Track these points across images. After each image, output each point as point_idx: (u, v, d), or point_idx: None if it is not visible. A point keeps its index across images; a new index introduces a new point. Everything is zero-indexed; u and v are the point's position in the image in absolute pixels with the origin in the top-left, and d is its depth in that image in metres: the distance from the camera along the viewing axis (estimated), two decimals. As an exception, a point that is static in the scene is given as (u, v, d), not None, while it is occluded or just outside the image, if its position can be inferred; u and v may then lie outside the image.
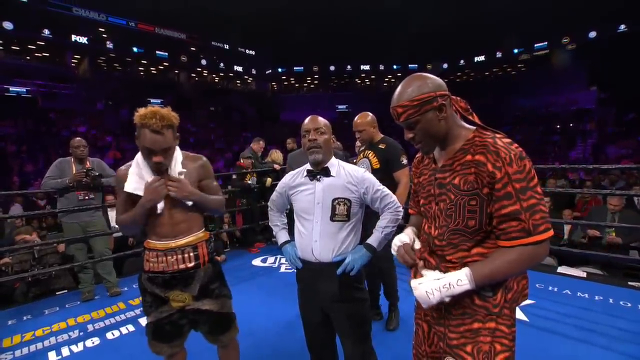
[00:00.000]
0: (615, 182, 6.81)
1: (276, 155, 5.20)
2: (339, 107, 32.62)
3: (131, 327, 2.64)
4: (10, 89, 19.02)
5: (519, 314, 2.51)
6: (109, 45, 25.24)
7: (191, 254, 1.49)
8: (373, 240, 1.47)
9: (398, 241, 1.09)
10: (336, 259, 1.43)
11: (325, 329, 1.52)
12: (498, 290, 0.94)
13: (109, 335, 2.54)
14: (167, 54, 27.94)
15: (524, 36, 27.23)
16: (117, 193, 1.52)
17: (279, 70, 35.81)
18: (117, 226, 2.27)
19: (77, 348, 2.40)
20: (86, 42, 23.84)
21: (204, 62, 30.40)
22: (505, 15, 27.04)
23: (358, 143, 2.76)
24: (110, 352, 2.34)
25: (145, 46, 26.73)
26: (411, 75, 0.99)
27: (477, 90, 28.07)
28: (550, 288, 3.00)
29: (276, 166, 4.96)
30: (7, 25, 20.33)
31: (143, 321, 2.64)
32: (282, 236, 1.64)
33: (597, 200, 5.11)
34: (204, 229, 1.59)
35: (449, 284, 0.91)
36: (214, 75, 32.69)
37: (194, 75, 30.93)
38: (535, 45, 27.94)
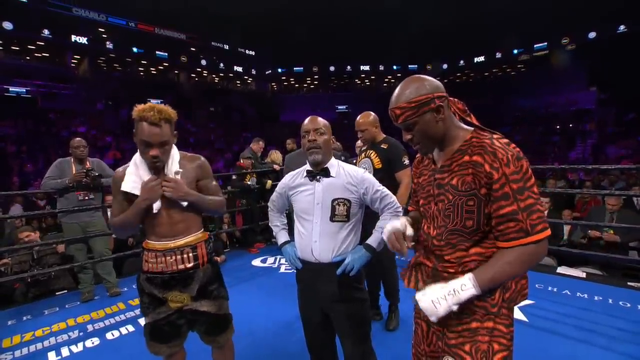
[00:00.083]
0: (615, 182, 6.80)
1: (276, 155, 5.20)
2: (339, 107, 32.67)
3: (131, 328, 2.65)
4: (10, 89, 19.06)
5: (519, 314, 2.51)
6: (109, 45, 25.28)
7: (190, 255, 1.48)
8: (373, 240, 1.47)
9: (390, 227, 1.07)
10: (336, 259, 1.43)
11: (325, 329, 1.52)
12: (496, 290, 0.94)
13: (109, 336, 2.54)
14: (167, 54, 27.98)
15: (524, 36, 27.25)
16: (113, 195, 1.51)
17: (279, 70, 35.86)
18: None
19: (77, 348, 2.40)
20: (86, 42, 23.88)
21: (203, 62, 30.44)
22: (505, 16, 27.07)
23: (358, 143, 2.75)
24: (110, 353, 2.34)
25: (145, 46, 26.76)
26: (409, 77, 1.00)
27: (476, 90, 28.11)
28: (549, 288, 3.00)
29: (276, 166, 4.96)
30: (7, 25, 20.36)
31: (143, 321, 2.62)
32: (282, 236, 1.64)
33: (596, 200, 5.13)
34: (203, 230, 1.58)
35: (454, 290, 0.90)
36: (213, 76, 32.72)
37: (193, 75, 30.95)
38: (535, 45, 27.96)
